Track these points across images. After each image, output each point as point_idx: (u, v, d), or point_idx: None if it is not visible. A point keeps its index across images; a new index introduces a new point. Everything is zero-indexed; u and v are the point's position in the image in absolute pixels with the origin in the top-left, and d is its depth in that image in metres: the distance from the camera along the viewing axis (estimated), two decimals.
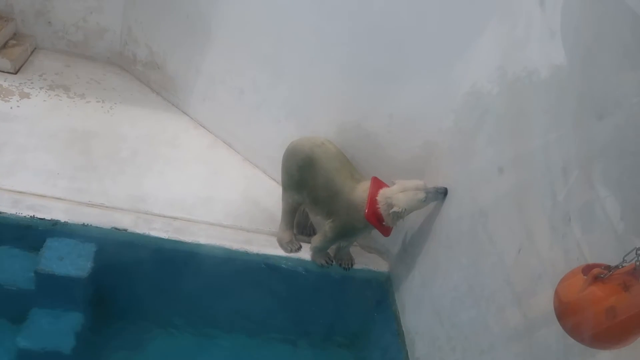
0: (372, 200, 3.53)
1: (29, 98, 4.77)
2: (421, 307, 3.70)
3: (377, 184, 3.63)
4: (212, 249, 3.87)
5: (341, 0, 3.74)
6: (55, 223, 3.67)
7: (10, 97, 4.72)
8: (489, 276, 2.98)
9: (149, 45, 5.20)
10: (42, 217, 3.69)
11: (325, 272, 4.00)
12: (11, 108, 4.60)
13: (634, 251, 1.88)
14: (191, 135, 4.96)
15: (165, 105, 5.22)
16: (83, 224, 3.71)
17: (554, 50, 2.69)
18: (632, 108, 2.17)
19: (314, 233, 4.17)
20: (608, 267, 1.91)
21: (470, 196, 3.31)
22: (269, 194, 4.45)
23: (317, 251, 3.95)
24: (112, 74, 5.43)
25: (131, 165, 4.38)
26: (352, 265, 4.06)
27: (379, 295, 4.14)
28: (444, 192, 3.49)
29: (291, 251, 4.01)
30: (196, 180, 4.44)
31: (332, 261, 4.01)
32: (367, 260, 4.19)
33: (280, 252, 4.00)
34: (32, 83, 4.95)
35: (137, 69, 5.41)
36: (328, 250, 4.01)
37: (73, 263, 3.52)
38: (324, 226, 3.86)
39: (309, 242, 4.02)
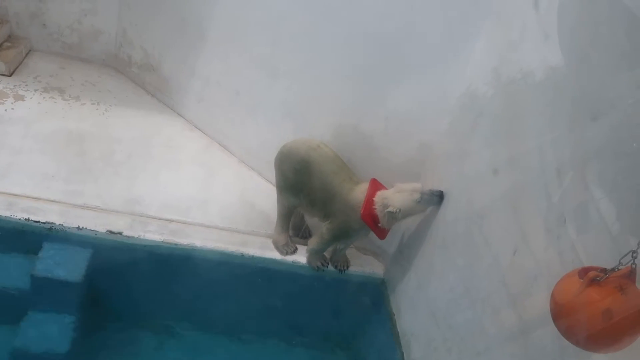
0: (369, 202, 3.54)
1: (24, 100, 4.76)
2: (417, 309, 3.70)
3: (376, 185, 3.64)
4: (208, 251, 3.86)
5: (336, 2, 3.75)
6: (50, 226, 3.66)
7: (4, 99, 4.70)
8: (485, 278, 2.98)
9: (144, 47, 5.19)
10: (36, 219, 3.67)
11: (321, 274, 4.00)
12: (5, 110, 4.58)
13: (630, 254, 1.88)
14: (186, 137, 4.95)
15: (160, 107, 5.22)
16: (78, 227, 3.70)
17: (548, 52, 2.69)
18: (627, 109, 2.18)
19: (310, 235, 4.17)
20: (604, 270, 1.92)
21: (465, 198, 3.31)
22: (265, 196, 4.45)
23: (314, 253, 3.94)
24: (107, 76, 5.43)
25: (126, 167, 4.38)
26: (347, 267, 4.06)
27: (375, 297, 4.14)
28: (439, 195, 3.48)
29: (287, 253, 4.00)
30: (191, 183, 4.43)
31: (328, 263, 4.01)
32: (362, 262, 4.19)
33: (276, 254, 4.00)
34: (26, 85, 4.94)
35: (132, 71, 5.40)
36: (324, 253, 4.00)
37: (68, 266, 3.52)
38: (321, 228, 3.85)
39: (305, 245, 4.02)
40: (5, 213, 3.66)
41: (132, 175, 4.32)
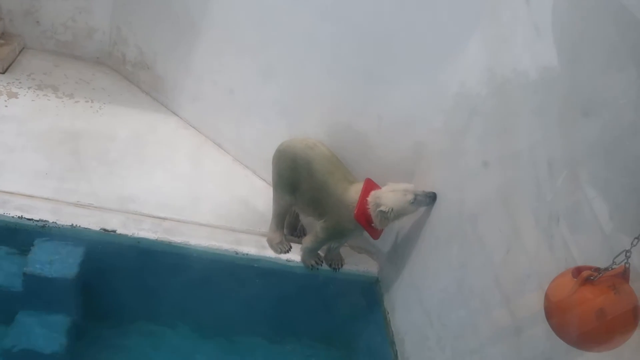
0: (363, 201, 3.54)
1: (17, 98, 4.74)
2: (410, 308, 3.71)
3: (370, 185, 3.64)
4: (202, 249, 3.86)
5: (331, 1, 3.75)
6: (43, 224, 3.65)
7: None
8: (478, 276, 2.99)
9: (139, 45, 5.17)
10: (30, 217, 3.66)
11: (315, 273, 4.00)
12: None
13: (623, 253, 1.89)
14: (181, 136, 4.94)
15: (154, 106, 5.20)
16: (71, 225, 3.68)
17: (541, 51, 2.70)
18: (620, 108, 2.18)
19: (305, 234, 4.17)
20: (598, 269, 1.92)
21: (459, 197, 3.32)
22: (259, 195, 4.45)
23: (308, 252, 3.94)
24: (101, 74, 5.40)
25: (120, 165, 4.36)
26: (341, 266, 4.06)
27: (369, 295, 4.15)
28: (432, 197, 3.48)
29: (281, 252, 4.00)
30: (185, 181, 4.42)
31: (322, 262, 4.01)
32: (356, 260, 4.19)
33: (270, 252, 3.99)
34: (20, 83, 4.92)
35: (127, 69, 5.38)
36: (319, 251, 4.00)
37: (61, 264, 3.50)
38: (316, 227, 3.85)
39: (299, 243, 4.02)
40: None
41: (125, 173, 4.30)
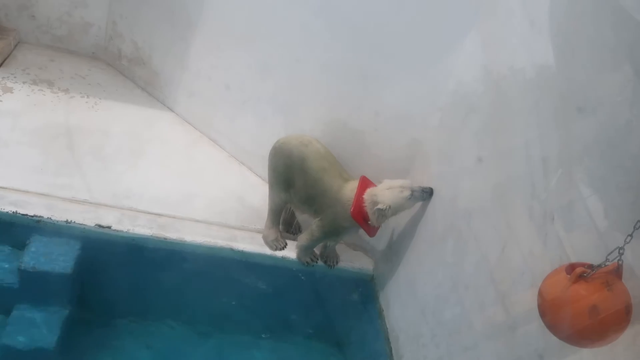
0: (359, 199, 3.54)
1: (12, 93, 4.72)
2: (405, 305, 3.71)
3: (366, 183, 3.64)
4: (197, 245, 3.85)
5: None
6: (38, 219, 3.64)
7: None
8: (473, 274, 3.00)
9: (135, 40, 5.16)
10: (24, 213, 3.64)
11: (311, 269, 4.00)
12: None
13: (617, 250, 1.90)
14: (176, 131, 4.93)
15: (150, 101, 5.19)
16: (66, 221, 3.67)
17: (537, 48, 2.71)
18: (615, 106, 2.19)
19: (300, 231, 4.17)
20: (591, 266, 1.93)
21: (455, 194, 3.32)
22: (255, 191, 4.45)
23: (303, 249, 3.94)
24: (97, 69, 5.39)
25: (115, 161, 4.35)
26: (337, 263, 4.06)
27: (364, 292, 4.16)
28: (429, 192, 3.50)
29: (277, 249, 4.00)
30: (181, 177, 4.42)
31: (317, 259, 4.01)
32: (352, 257, 4.20)
33: (265, 249, 3.99)
34: (15, 77, 4.89)
35: (122, 64, 5.37)
36: (314, 248, 4.00)
37: (57, 260, 3.49)
38: (311, 225, 3.85)
39: (295, 240, 4.02)
40: None
41: (121, 169, 4.29)
